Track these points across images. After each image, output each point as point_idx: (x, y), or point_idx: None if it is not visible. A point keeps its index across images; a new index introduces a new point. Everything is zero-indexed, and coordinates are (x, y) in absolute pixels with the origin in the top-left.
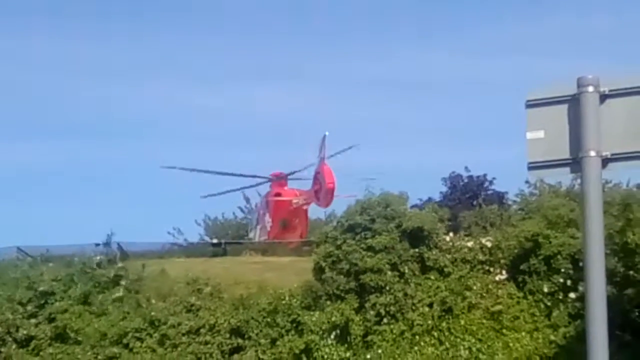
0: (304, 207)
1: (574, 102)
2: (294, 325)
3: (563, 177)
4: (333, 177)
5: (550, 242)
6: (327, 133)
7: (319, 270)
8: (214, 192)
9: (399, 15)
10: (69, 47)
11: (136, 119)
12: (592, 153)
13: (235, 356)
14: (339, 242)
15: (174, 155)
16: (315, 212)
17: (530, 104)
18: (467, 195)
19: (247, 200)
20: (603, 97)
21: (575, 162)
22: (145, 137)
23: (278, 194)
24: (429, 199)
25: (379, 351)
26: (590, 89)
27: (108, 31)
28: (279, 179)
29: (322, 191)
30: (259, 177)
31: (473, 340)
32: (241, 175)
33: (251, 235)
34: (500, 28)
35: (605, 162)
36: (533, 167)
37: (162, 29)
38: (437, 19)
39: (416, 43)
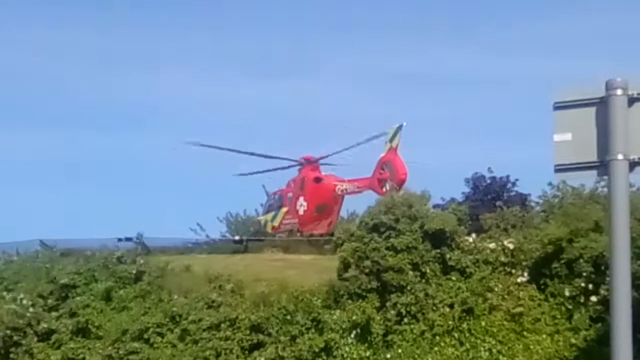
0: (351, 195)
1: (602, 105)
2: (314, 323)
3: (589, 180)
4: (406, 169)
5: (572, 247)
6: (404, 123)
7: (344, 268)
8: (246, 172)
9: (426, 11)
10: (69, 35)
11: (159, 109)
12: (620, 156)
13: (255, 352)
14: (366, 240)
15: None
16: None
17: (558, 106)
18: (489, 197)
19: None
20: (632, 101)
21: (603, 165)
22: (172, 129)
23: (319, 178)
24: (452, 199)
25: (399, 351)
26: (619, 92)
27: (109, 20)
28: (310, 163)
29: (390, 181)
30: (289, 159)
31: (493, 342)
32: (269, 156)
33: (265, 219)
34: (532, 25)
35: (633, 165)
36: (560, 169)
37: (165, 18)
38: (465, 15)
39: (444, 39)
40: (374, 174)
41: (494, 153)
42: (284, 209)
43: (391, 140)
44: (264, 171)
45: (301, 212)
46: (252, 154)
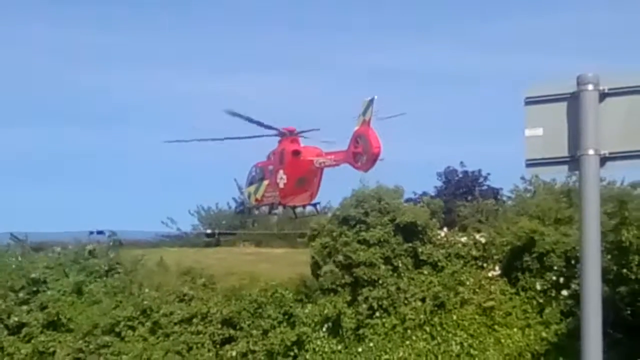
0: (328, 168)
1: (573, 100)
2: (286, 317)
3: (560, 175)
4: (379, 142)
5: (544, 240)
6: (376, 97)
7: (315, 264)
8: (215, 137)
9: (400, 8)
10: (67, 34)
11: (133, 106)
12: (591, 151)
13: (227, 346)
14: (335, 235)
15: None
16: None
17: (529, 101)
18: (461, 190)
19: (242, 204)
20: (602, 96)
21: (574, 160)
22: (143, 124)
23: (297, 151)
24: (424, 193)
25: (371, 345)
26: (590, 87)
27: (106, 19)
28: (291, 134)
29: (363, 154)
30: (269, 127)
31: (465, 336)
32: (262, 124)
33: (246, 192)
34: (502, 24)
35: (604, 160)
36: (531, 164)
37: (164, 17)
38: (437, 12)
39: (415, 35)
40: (349, 148)
41: (467, 147)
42: (266, 182)
43: (364, 113)
44: (232, 138)
45: (281, 185)
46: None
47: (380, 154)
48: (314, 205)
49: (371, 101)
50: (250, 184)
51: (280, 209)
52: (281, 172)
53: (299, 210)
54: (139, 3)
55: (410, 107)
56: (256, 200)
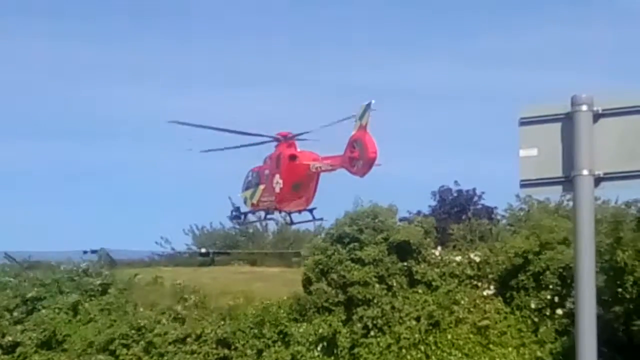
0: (324, 173)
1: (567, 121)
2: (281, 336)
3: (555, 194)
4: (376, 147)
5: (539, 259)
6: (373, 101)
7: (307, 281)
8: (215, 148)
9: (393, 25)
10: (51, 47)
11: (123, 121)
12: (585, 172)
13: None
14: (328, 253)
15: (169, 159)
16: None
17: (524, 122)
18: (456, 209)
19: (237, 209)
20: (597, 116)
21: (568, 181)
22: (139, 140)
23: (294, 156)
24: (418, 212)
25: None
26: (584, 107)
27: (92, 33)
28: (287, 140)
29: (360, 159)
30: (263, 135)
31: (460, 355)
32: (244, 133)
33: (244, 195)
34: (496, 39)
35: (598, 181)
36: (525, 184)
37: (154, 32)
38: (432, 26)
39: (406, 50)
40: (345, 153)
41: (461, 166)
42: (262, 187)
43: (360, 118)
44: (228, 148)
45: (277, 189)
46: (226, 130)
47: (376, 159)
48: (310, 210)
49: (368, 105)
50: (247, 188)
51: (276, 214)
52: (277, 176)
53: (295, 217)
54: (131, 16)
55: (405, 124)
56: (252, 205)
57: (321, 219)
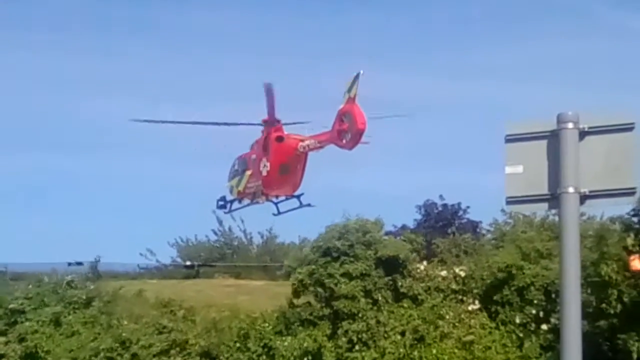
0: (313, 151)
1: (553, 138)
2: (266, 350)
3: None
4: (364, 118)
5: (523, 273)
6: (361, 72)
7: (294, 295)
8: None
9: (379, 37)
10: (42, 60)
11: (112, 134)
12: (571, 189)
13: None
14: (314, 266)
15: (154, 171)
16: (289, 235)
17: (510, 139)
18: (441, 223)
19: (220, 222)
20: (582, 134)
21: (554, 198)
22: (123, 152)
23: (280, 137)
24: (404, 226)
25: None
26: (570, 125)
27: (74, 44)
28: (274, 124)
29: (348, 131)
30: (249, 124)
31: None
32: (225, 123)
33: (230, 184)
34: (481, 52)
35: (584, 198)
36: (511, 201)
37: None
38: (418, 39)
39: (390, 64)
40: (334, 127)
41: (446, 180)
42: (248, 172)
43: (349, 90)
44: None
45: (264, 173)
46: (204, 123)
47: (365, 130)
48: (298, 197)
49: (356, 77)
50: (233, 177)
51: (263, 200)
52: (264, 159)
53: (281, 205)
54: (125, 28)
55: (390, 137)
56: (238, 192)
57: (308, 205)
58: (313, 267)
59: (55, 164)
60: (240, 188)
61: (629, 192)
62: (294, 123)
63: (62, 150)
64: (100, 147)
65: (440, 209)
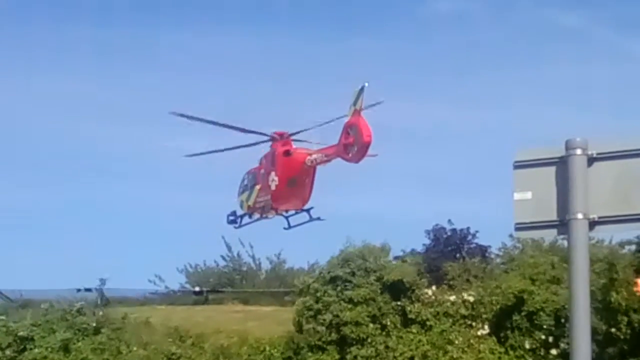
0: (321, 165)
1: (561, 164)
2: None
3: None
4: (370, 131)
5: (533, 299)
6: (366, 84)
7: (298, 323)
8: (198, 152)
9: (382, 63)
10: (43, 82)
11: (117, 158)
12: (580, 215)
13: None
14: (319, 294)
15: (161, 197)
16: (298, 260)
17: (518, 165)
18: (450, 248)
19: (229, 248)
20: (591, 160)
21: (563, 224)
22: (131, 178)
23: (288, 151)
24: (412, 251)
25: None
26: (579, 151)
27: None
28: (283, 138)
29: (355, 145)
30: (259, 133)
31: None
32: (249, 130)
33: (240, 199)
34: (492, 77)
35: (593, 224)
36: (520, 228)
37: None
38: (428, 66)
39: (400, 90)
40: (340, 140)
41: (455, 205)
42: (257, 187)
43: (355, 103)
44: (216, 151)
45: (273, 187)
46: (231, 127)
47: (371, 143)
48: (307, 210)
49: (362, 89)
50: (243, 192)
51: (272, 214)
52: (272, 174)
53: (292, 219)
54: (125, 54)
55: (399, 163)
56: (248, 207)
57: (318, 218)
58: (317, 295)
59: (63, 190)
60: (250, 203)
61: (638, 219)
62: (299, 132)
63: (71, 175)
64: (110, 173)
65: (449, 233)
